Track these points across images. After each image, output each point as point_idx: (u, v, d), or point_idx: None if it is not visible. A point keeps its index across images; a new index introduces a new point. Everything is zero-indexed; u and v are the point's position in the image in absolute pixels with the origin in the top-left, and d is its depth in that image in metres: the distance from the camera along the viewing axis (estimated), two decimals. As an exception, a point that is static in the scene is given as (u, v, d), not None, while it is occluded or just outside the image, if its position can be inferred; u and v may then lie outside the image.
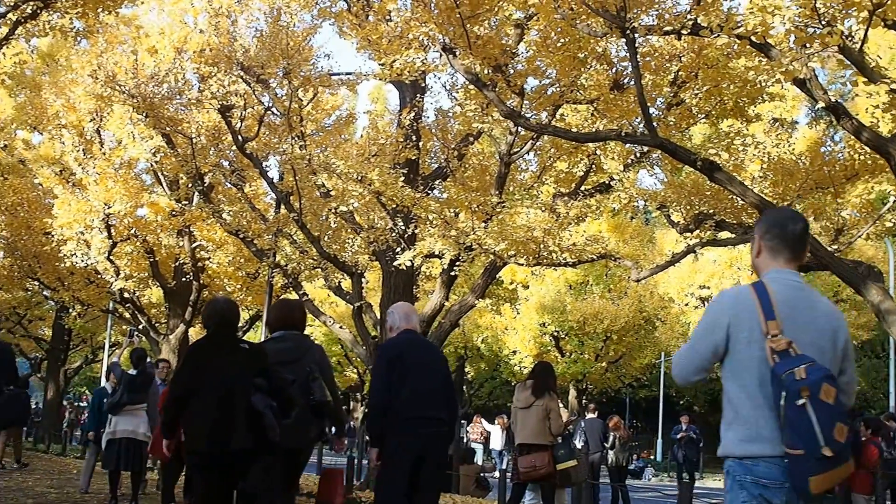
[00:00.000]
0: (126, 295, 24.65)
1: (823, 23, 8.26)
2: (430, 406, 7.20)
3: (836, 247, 14.65)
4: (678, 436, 24.93)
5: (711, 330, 4.00)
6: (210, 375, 6.87)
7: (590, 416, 18.62)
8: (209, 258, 23.94)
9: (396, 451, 7.09)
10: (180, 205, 23.34)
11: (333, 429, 8.15)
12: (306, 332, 7.96)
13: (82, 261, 23.03)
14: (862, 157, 14.07)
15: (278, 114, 17.56)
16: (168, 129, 19.25)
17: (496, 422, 28.55)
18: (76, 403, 47.41)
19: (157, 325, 26.26)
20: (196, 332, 27.22)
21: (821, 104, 10.39)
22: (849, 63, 9.08)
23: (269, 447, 6.85)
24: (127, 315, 26.88)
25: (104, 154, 23.03)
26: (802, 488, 3.75)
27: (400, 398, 7.08)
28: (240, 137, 17.72)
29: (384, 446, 7.15)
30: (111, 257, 23.35)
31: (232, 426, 6.74)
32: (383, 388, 7.14)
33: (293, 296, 21.59)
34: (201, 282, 24.30)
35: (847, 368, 4.00)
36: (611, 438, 17.93)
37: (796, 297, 3.96)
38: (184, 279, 24.54)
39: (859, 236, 15.82)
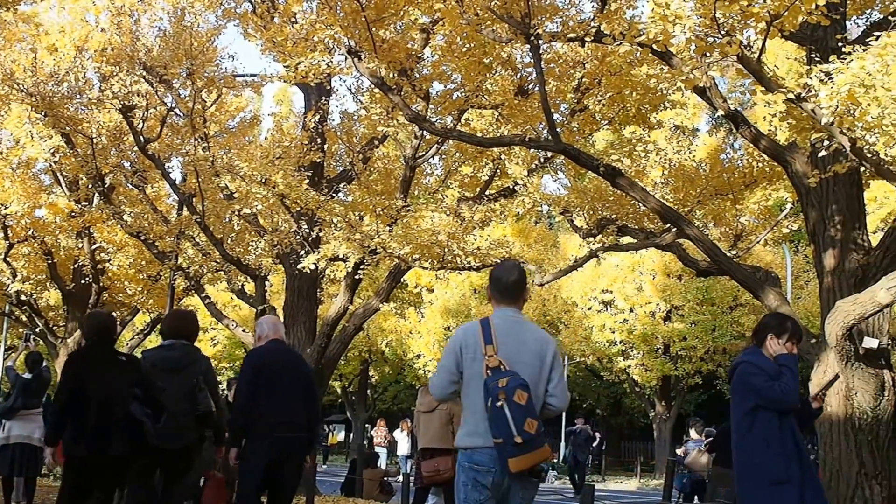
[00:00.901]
0: (23, 297, 23.99)
1: (723, 33, 8.40)
2: (291, 411, 7.65)
3: (734, 252, 14.91)
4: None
5: (451, 353, 5.25)
6: (90, 385, 7.17)
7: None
8: (109, 260, 23.39)
9: (256, 452, 7.54)
10: (80, 206, 22.80)
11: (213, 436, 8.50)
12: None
13: (-24, 263, 22.42)
14: (760, 165, 14.35)
15: (181, 115, 17.32)
16: (68, 128, 18.80)
17: (400, 426, 28.48)
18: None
19: (54, 328, 25.59)
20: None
21: (720, 112, 10.57)
22: (747, 72, 9.24)
23: (146, 451, 7.29)
24: (23, 318, 26.18)
25: (1, 153, 22.42)
26: (504, 467, 4.96)
27: (262, 403, 7.53)
28: (142, 138, 17.44)
29: (246, 446, 7.62)
30: (7, 259, 22.74)
31: (110, 434, 7.11)
32: (247, 393, 7.63)
33: (195, 299, 21.36)
34: (101, 284, 23.76)
35: (554, 377, 5.29)
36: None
37: (512, 328, 5.27)
38: (83, 282, 23.96)
39: (757, 242, 16.12)
